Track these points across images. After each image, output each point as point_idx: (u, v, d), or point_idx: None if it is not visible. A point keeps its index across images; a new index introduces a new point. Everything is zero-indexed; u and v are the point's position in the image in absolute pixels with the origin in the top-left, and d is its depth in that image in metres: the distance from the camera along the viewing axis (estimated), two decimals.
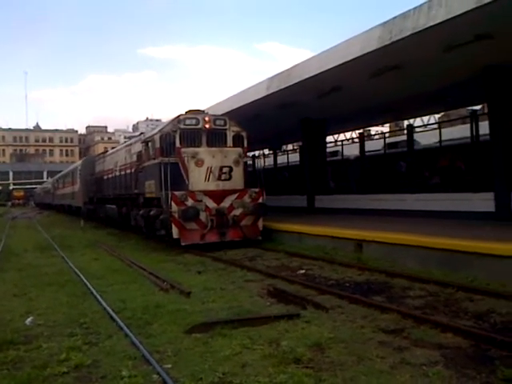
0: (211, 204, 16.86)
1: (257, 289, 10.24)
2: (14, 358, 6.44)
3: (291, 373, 5.52)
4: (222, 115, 19.29)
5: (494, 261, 10.17)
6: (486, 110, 29.32)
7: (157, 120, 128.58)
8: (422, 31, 12.29)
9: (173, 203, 16.30)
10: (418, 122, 32.57)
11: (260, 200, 17.63)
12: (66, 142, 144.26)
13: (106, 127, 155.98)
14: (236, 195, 17.30)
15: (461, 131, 24.63)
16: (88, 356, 6.39)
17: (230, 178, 17.25)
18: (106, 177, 28.41)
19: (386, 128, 47.92)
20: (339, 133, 36.39)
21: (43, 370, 5.96)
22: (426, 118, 34.61)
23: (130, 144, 23.33)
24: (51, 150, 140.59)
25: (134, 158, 21.30)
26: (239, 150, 17.78)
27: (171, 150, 17.28)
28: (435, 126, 27.27)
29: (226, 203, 17.08)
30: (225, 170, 17.17)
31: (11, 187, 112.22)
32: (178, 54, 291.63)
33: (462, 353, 6.19)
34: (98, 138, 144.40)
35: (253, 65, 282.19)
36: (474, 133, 19.59)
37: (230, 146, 17.92)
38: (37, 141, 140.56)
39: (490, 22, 11.80)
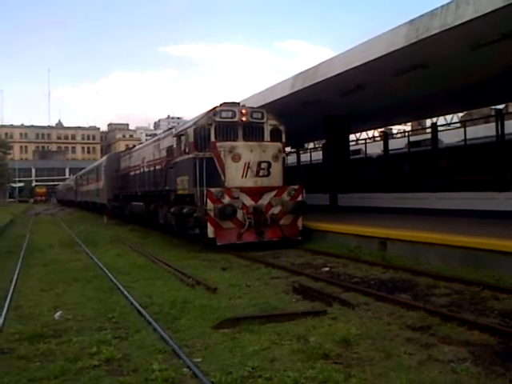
0: (248, 202, 16.11)
1: (282, 285, 10.30)
2: (46, 351, 6.55)
3: (320, 368, 5.55)
4: (259, 108, 18.31)
5: None
6: (510, 109, 29.30)
7: (178, 118, 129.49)
8: (450, 29, 12.22)
9: (208, 200, 15.53)
10: (440, 120, 32.43)
11: (299, 198, 16.83)
12: (88, 139, 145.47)
13: (127, 125, 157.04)
14: (274, 192, 16.50)
15: (485, 130, 24.44)
16: (118, 350, 6.47)
17: (268, 175, 16.31)
18: (132, 173, 27.63)
19: (407, 127, 47.74)
20: (362, 131, 36.33)
21: (75, 362, 6.06)
22: (448, 117, 34.46)
23: (159, 139, 22.47)
24: (73, 147, 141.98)
25: (164, 153, 20.68)
26: (278, 144, 16.91)
27: (206, 144, 16.43)
28: (459, 124, 27.05)
29: (264, 201, 16.33)
30: (263, 165, 16.25)
31: (33, 184, 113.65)
32: (198, 52, 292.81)
33: (489, 350, 6.18)
34: (119, 135, 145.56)
35: (274, 63, 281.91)
36: (500, 131, 19.39)
37: (267, 141, 17.08)
38: (59, 138, 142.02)
39: None
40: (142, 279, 11.34)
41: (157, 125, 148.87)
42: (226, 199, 15.73)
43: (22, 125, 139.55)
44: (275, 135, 17.28)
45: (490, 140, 21.11)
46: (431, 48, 13.72)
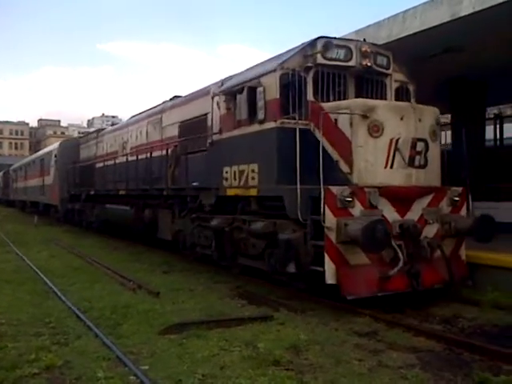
0: (391, 214, 8.84)
1: (225, 290, 10.18)
2: None
3: (272, 375, 5.51)
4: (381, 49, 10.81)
5: None
6: None
7: (113, 116, 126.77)
8: (396, 40, 12.16)
9: (327, 210, 8.28)
10: None
11: (463, 209, 9.94)
12: (17, 134, 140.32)
13: (59, 121, 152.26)
14: (429, 198, 9.33)
15: None
16: (59, 356, 6.18)
17: (425, 164, 9.14)
18: (102, 164, 20.69)
19: None
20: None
21: (12, 370, 5.74)
22: None
23: (162, 111, 15.60)
24: (0, 143, 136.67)
25: (174, 131, 14.24)
26: (435, 110, 9.72)
27: (295, 105, 9.58)
28: None
29: (414, 213, 9.09)
30: (419, 146, 9.03)
31: None
32: (138, 51, 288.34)
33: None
34: (50, 131, 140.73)
35: (213, 65, 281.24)
36: None
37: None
38: None
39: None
40: (79, 282, 10.95)
41: (90, 122, 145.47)
42: (357, 208, 8.54)
43: None
44: (402, 97, 10.87)
45: None
46: None
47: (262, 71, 10.20)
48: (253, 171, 10.25)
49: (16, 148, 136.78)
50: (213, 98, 11.77)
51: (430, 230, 9.20)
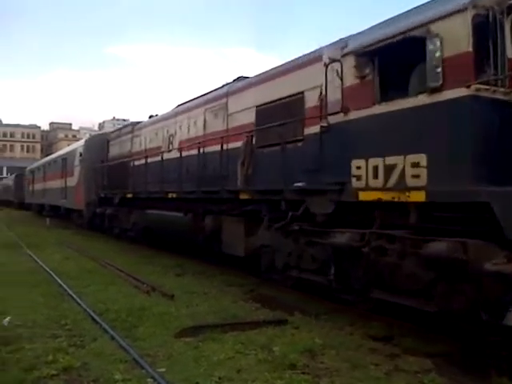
0: None
1: (239, 293, 10.18)
2: None
3: (289, 378, 5.53)
4: None
5: None
6: None
7: (124, 120, 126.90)
8: None
9: None
10: None
11: None
12: (28, 137, 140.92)
13: (70, 124, 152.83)
14: None
15: None
16: (76, 358, 6.22)
17: None
18: (141, 162, 17.54)
19: None
20: None
21: (30, 372, 5.77)
22: None
23: (227, 94, 12.49)
24: (12, 146, 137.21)
25: (251, 117, 11.16)
26: None
27: (494, 63, 6.55)
28: None
29: None
30: None
31: None
32: (147, 53, 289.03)
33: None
34: (61, 134, 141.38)
35: (221, 68, 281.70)
36: None
37: None
38: None
39: None
40: (93, 284, 10.97)
41: (101, 126, 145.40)
42: None
43: None
44: None
45: None
46: None
47: (435, 14, 6.87)
48: (415, 165, 6.93)
49: (28, 151, 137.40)
50: (327, 66, 8.52)
51: None
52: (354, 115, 8.00)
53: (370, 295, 7.88)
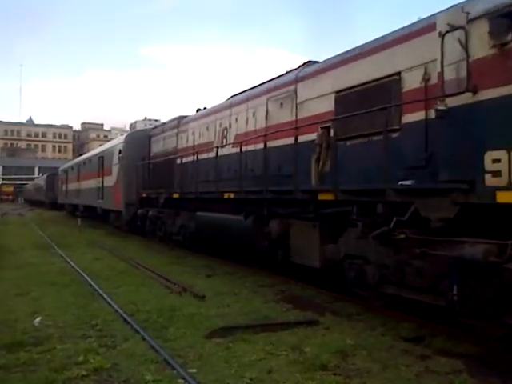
0: None
1: (270, 294, 10.11)
2: (27, 360, 6.23)
3: (320, 379, 5.49)
4: None
5: None
6: None
7: (156, 120, 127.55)
8: None
9: None
10: None
11: None
12: (60, 137, 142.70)
13: (102, 125, 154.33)
14: None
15: None
16: (107, 359, 6.24)
17: None
18: (189, 159, 16.07)
19: None
20: None
21: (61, 372, 5.79)
22: None
23: (296, 80, 10.98)
24: (43, 146, 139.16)
25: (328, 105, 9.64)
26: None
27: None
28: None
29: None
30: None
31: (0, 182, 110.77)
32: (179, 53, 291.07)
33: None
34: (93, 135, 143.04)
35: (256, 69, 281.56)
36: None
37: None
38: (29, 135, 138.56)
39: None
40: (124, 285, 11.02)
41: (133, 126, 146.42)
42: None
43: None
44: None
45: None
46: None
47: None
48: None
49: (60, 151, 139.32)
50: (443, 36, 6.84)
51: None
52: (488, 94, 6.30)
53: (504, 319, 6.31)
